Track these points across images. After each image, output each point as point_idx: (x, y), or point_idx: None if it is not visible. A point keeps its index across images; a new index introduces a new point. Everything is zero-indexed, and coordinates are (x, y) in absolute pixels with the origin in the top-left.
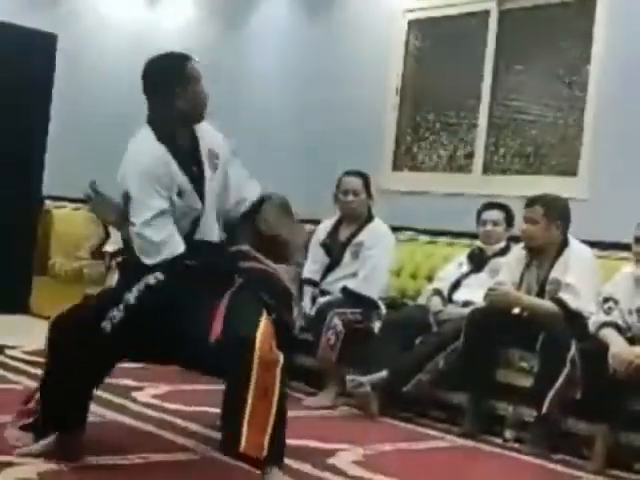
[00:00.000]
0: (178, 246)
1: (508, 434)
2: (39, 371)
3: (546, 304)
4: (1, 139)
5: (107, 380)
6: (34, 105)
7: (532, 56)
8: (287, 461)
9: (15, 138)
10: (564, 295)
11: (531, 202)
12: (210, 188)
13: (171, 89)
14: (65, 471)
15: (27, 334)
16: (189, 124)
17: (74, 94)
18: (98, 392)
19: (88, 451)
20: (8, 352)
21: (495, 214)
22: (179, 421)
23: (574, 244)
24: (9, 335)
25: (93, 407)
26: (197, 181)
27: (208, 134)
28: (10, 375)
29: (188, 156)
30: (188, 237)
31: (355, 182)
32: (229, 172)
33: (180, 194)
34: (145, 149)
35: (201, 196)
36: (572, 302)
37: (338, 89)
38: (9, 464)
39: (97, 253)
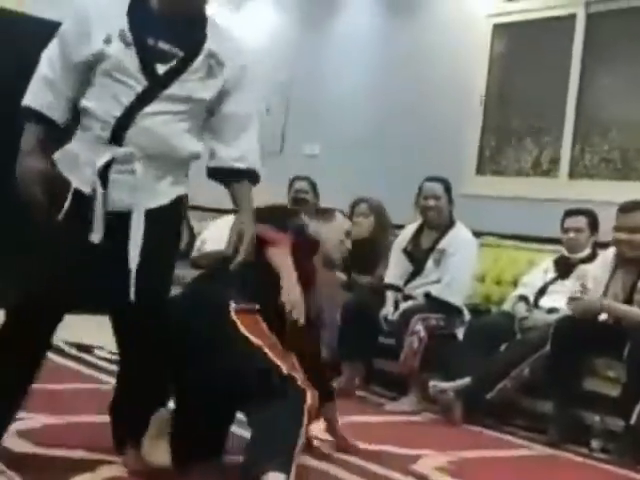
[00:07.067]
0: None
1: (595, 444)
2: None
3: (633, 311)
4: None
5: None
6: None
7: (619, 59)
8: (369, 465)
9: None
10: None
11: (631, 208)
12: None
13: None
14: (155, 471)
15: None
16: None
17: None
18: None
19: None
20: (97, 352)
21: (577, 221)
22: None
23: None
24: (97, 335)
25: None
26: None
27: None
28: (99, 375)
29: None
30: None
31: (436, 187)
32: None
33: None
34: None
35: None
36: None
37: (421, 93)
38: (101, 462)
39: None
